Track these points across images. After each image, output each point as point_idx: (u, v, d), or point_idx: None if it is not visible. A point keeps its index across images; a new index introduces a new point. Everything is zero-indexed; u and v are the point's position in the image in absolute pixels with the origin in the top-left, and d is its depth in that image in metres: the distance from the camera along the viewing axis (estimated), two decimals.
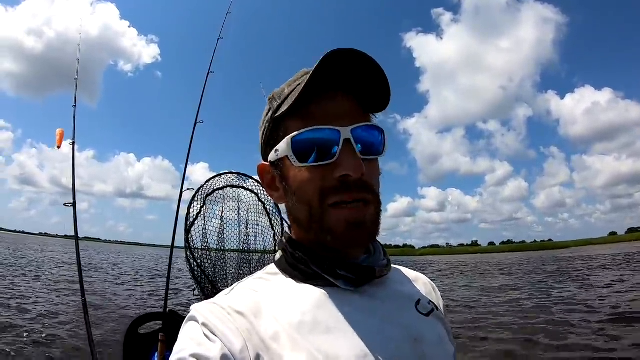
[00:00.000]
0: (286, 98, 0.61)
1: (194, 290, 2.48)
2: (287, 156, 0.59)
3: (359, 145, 0.57)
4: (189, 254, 2.45)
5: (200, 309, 0.55)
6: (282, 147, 0.59)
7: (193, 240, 2.52)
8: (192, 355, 0.47)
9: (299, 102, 0.57)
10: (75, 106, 2.89)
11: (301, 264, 0.61)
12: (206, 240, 2.60)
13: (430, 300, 0.68)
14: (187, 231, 2.48)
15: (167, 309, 2.53)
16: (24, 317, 7.59)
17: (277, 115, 0.61)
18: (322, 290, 0.58)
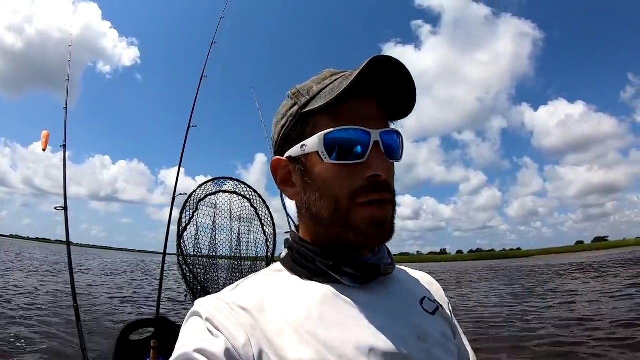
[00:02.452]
0: (316, 95, 0.61)
1: (186, 296, 2.44)
2: (317, 152, 0.59)
3: (385, 149, 0.59)
4: (181, 259, 2.41)
5: (204, 304, 0.56)
6: (313, 142, 0.59)
7: (185, 246, 2.47)
8: (196, 350, 0.47)
9: (334, 101, 0.57)
10: (66, 108, 2.79)
11: (307, 261, 0.62)
12: (198, 246, 2.57)
13: (435, 300, 0.69)
14: (180, 237, 2.45)
15: (160, 316, 2.46)
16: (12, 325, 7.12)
17: (305, 110, 0.61)
18: (328, 287, 0.59)
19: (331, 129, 0.58)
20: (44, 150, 2.50)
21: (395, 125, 0.66)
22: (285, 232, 0.72)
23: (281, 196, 0.70)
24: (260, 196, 2.86)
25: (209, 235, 2.67)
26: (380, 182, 0.57)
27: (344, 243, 0.59)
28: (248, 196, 2.82)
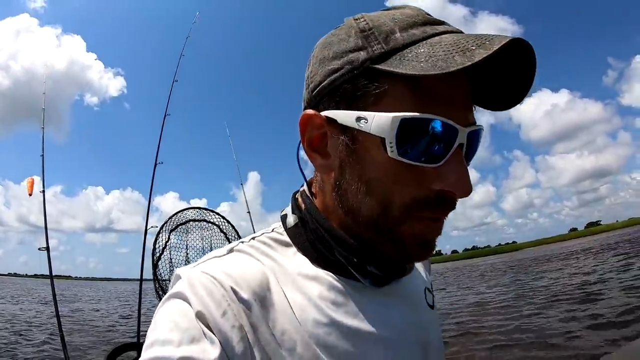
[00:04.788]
0: (400, 49, 0.43)
1: None
2: (383, 138, 0.42)
3: (466, 153, 0.45)
4: (157, 286, 2.64)
5: (195, 284, 0.43)
6: (380, 122, 0.42)
7: (161, 273, 2.71)
8: (183, 359, 0.37)
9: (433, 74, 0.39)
10: (43, 156, 3.04)
11: (324, 246, 0.50)
12: (172, 269, 2.80)
13: (431, 284, 0.66)
14: (155, 265, 2.68)
15: (142, 340, 2.67)
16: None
17: (377, 67, 0.43)
18: (342, 284, 0.49)
19: (413, 113, 0.41)
20: (30, 195, 2.79)
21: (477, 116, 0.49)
22: (295, 193, 0.57)
23: (297, 149, 0.54)
24: (229, 222, 3.13)
25: (183, 262, 2.91)
26: (450, 200, 0.45)
27: (373, 246, 0.48)
28: (217, 222, 3.08)
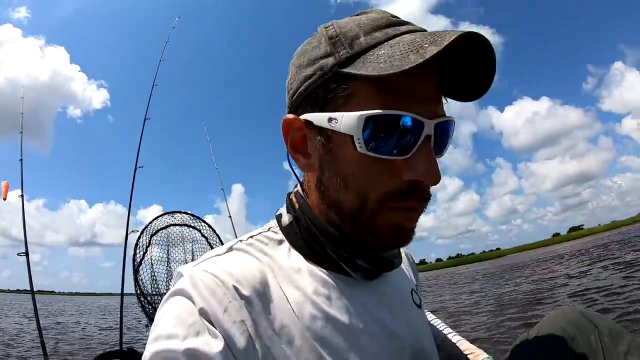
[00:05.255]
0: (363, 52, 0.47)
1: (146, 326, 2.58)
2: (352, 136, 0.46)
3: (435, 144, 0.48)
4: (138, 292, 2.59)
5: (197, 283, 0.45)
6: (348, 121, 0.46)
7: (142, 280, 2.67)
8: (187, 352, 0.39)
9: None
10: (22, 160, 3.00)
11: (316, 243, 0.54)
12: (155, 278, 2.76)
13: (417, 286, 0.69)
14: (136, 271, 2.64)
15: (125, 346, 2.58)
16: None
17: (344, 70, 0.47)
18: (335, 279, 0.52)
19: (377, 110, 0.45)
20: (4, 199, 2.74)
21: (448, 107, 0.52)
22: (289, 193, 0.62)
23: (287, 154, 0.57)
24: (210, 226, 3.12)
25: (165, 267, 2.87)
26: (420, 189, 0.48)
27: (356, 239, 0.52)
28: (198, 227, 3.07)
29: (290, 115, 0.53)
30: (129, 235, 2.88)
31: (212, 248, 3.11)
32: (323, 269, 0.53)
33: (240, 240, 0.56)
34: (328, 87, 0.48)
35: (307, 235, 0.54)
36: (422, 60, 0.40)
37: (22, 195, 2.88)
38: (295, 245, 0.55)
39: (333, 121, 0.47)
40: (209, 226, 3.11)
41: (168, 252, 2.91)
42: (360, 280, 0.53)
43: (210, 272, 0.46)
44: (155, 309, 2.63)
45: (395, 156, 0.46)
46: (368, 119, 0.45)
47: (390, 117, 0.45)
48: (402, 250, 0.67)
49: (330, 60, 0.48)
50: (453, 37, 0.40)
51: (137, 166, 3.19)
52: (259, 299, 0.46)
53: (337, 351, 0.47)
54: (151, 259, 2.79)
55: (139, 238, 2.72)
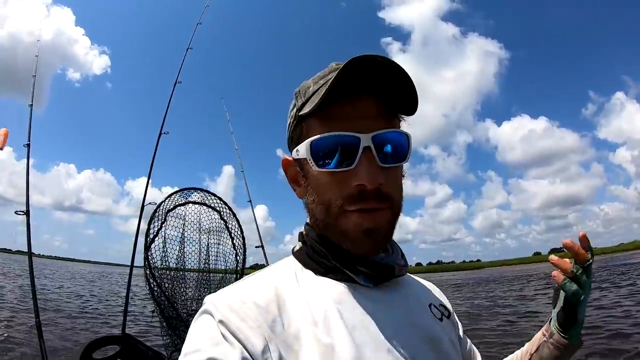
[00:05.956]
0: (311, 96, 0.59)
1: (153, 312, 2.36)
2: (306, 158, 0.58)
3: (380, 153, 0.56)
4: (148, 272, 2.33)
5: (216, 302, 0.52)
6: (302, 149, 0.58)
7: (153, 258, 2.41)
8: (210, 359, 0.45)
9: (320, 104, 0.55)
10: (31, 105, 2.68)
11: (321, 257, 0.61)
12: (166, 258, 2.51)
13: (443, 305, 0.71)
14: (147, 248, 2.38)
15: (127, 332, 2.35)
16: None
17: (301, 113, 0.59)
18: (343, 285, 0.58)
19: (317, 136, 0.56)
20: (1, 149, 2.34)
21: (406, 122, 0.63)
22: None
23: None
24: (230, 208, 2.85)
25: (178, 247, 2.62)
26: (366, 192, 0.54)
27: (341, 247, 0.59)
28: (218, 208, 2.80)
29: (286, 156, 0.67)
30: (144, 208, 2.58)
31: (229, 231, 2.87)
32: (330, 279, 0.59)
33: (260, 272, 0.63)
34: (296, 129, 0.62)
35: (312, 252, 0.63)
36: (323, 94, 0.53)
37: (28, 145, 2.55)
38: (303, 263, 0.63)
39: (297, 152, 0.60)
40: (229, 208, 2.84)
41: (183, 230, 2.65)
42: (366, 285, 0.59)
43: (229, 292, 0.55)
44: (162, 290, 2.41)
45: (343, 168, 0.55)
46: (312, 142, 0.57)
47: (328, 137, 0.56)
48: (427, 282, 0.77)
49: (295, 109, 0.62)
50: (339, 70, 0.52)
51: (162, 132, 2.87)
52: (275, 307, 0.52)
53: (347, 348, 0.50)
54: (164, 236, 2.53)
55: (154, 212, 2.45)
